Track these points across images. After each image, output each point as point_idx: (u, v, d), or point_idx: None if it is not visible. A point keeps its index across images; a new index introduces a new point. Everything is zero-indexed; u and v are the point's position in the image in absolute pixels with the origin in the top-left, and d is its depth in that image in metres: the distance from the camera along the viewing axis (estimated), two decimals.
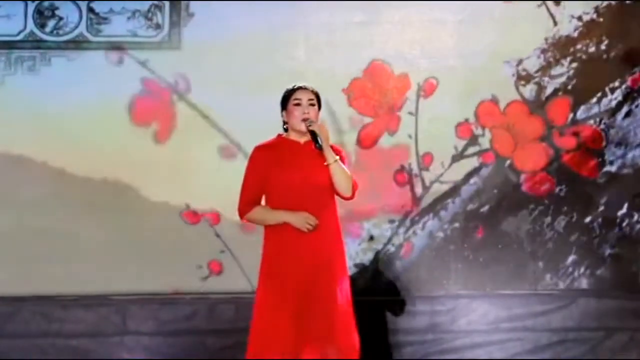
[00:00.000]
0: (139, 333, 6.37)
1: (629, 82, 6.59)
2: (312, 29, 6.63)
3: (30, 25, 6.63)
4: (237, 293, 6.43)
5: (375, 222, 6.58)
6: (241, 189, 4.53)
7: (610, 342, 6.36)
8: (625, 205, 6.57)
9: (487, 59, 6.56)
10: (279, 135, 4.61)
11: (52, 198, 6.50)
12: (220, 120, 6.58)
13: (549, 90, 6.60)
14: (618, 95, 6.58)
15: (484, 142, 6.61)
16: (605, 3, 6.56)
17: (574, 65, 6.59)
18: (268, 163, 4.47)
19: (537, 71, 6.58)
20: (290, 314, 4.33)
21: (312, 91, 4.56)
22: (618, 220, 6.58)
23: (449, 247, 6.57)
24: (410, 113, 6.59)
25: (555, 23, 6.58)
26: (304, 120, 4.47)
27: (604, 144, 6.59)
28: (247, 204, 4.50)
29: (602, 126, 6.59)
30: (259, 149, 4.54)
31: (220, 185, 6.29)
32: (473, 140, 6.60)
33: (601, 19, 6.58)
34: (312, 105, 4.52)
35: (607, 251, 6.57)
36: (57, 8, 6.63)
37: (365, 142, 6.61)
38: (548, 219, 6.57)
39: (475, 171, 6.60)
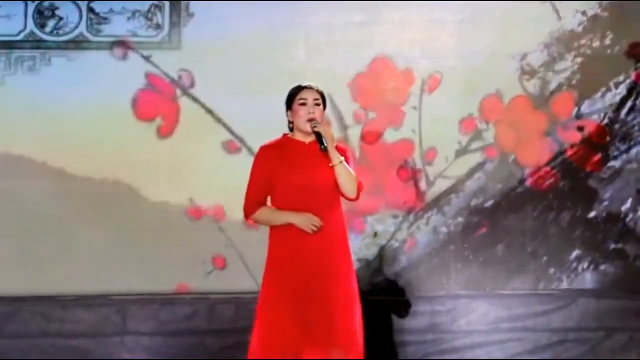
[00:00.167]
0: (139, 333, 6.37)
1: (633, 77, 6.59)
2: (312, 29, 6.63)
3: (30, 25, 6.63)
4: (237, 293, 6.43)
5: (379, 217, 6.58)
6: (246, 190, 4.51)
7: (610, 342, 6.36)
8: (629, 200, 6.57)
9: (491, 54, 6.56)
10: (285, 135, 4.58)
11: (52, 198, 6.50)
12: (220, 120, 6.58)
13: (553, 85, 6.60)
14: (622, 90, 6.59)
15: (488, 137, 6.60)
16: None
17: (578, 60, 6.59)
18: (273, 163, 4.44)
19: (541, 66, 6.58)
20: (294, 314, 4.32)
21: (318, 90, 4.52)
22: (622, 215, 6.58)
23: (449, 247, 6.57)
24: (413, 107, 6.59)
25: (559, 18, 6.57)
26: (309, 120, 4.44)
27: (608, 138, 6.59)
28: (252, 204, 4.48)
29: (606, 121, 6.60)
30: (264, 149, 4.52)
31: (224, 181, 6.31)
32: (477, 135, 6.59)
33: (605, 14, 6.57)
34: (318, 105, 4.49)
35: (611, 246, 6.57)
36: (57, 8, 6.63)
37: (369, 137, 6.61)
38: (552, 214, 6.57)
39: (479, 166, 6.60)
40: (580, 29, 6.58)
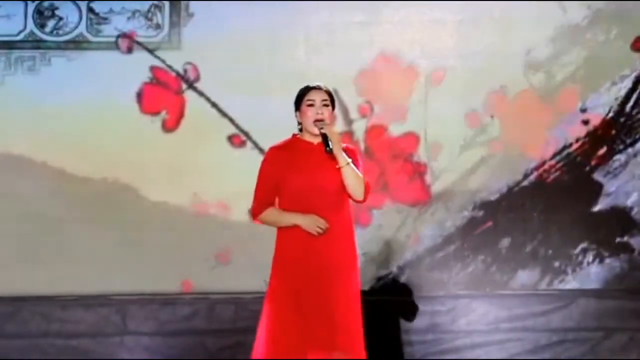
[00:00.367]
0: (139, 333, 6.37)
1: (639, 71, 6.58)
2: (312, 29, 6.63)
3: (30, 25, 6.63)
4: (237, 293, 6.43)
5: (384, 211, 6.57)
6: (254, 190, 4.49)
7: (610, 342, 6.36)
8: (635, 194, 6.57)
9: (492, 52, 6.56)
10: (294, 136, 4.54)
11: (52, 198, 6.50)
12: (221, 120, 6.58)
13: (558, 79, 6.59)
14: (628, 83, 6.58)
15: (493, 132, 6.59)
16: None
17: (584, 54, 6.58)
18: (281, 164, 4.42)
19: (546, 60, 6.57)
20: (297, 316, 4.31)
21: (326, 91, 4.49)
22: (627, 209, 6.58)
23: (454, 241, 6.57)
24: (419, 102, 6.58)
25: (564, 12, 6.56)
26: (317, 121, 4.42)
27: (613, 132, 6.59)
28: (259, 205, 4.46)
29: (611, 114, 6.60)
30: (272, 150, 4.49)
31: (228, 176, 6.36)
32: (481, 130, 6.58)
33: (611, 7, 6.56)
34: (326, 105, 4.45)
35: (617, 239, 6.57)
36: (57, 8, 6.64)
37: (374, 131, 6.61)
38: (557, 208, 6.57)
39: (484, 160, 6.59)
40: (585, 22, 6.57)
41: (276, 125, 6.37)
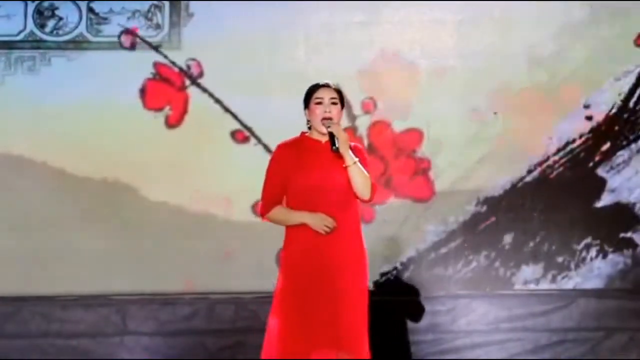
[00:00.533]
0: (139, 333, 6.37)
1: None
2: (312, 29, 6.63)
3: (30, 25, 6.63)
4: (237, 293, 6.43)
5: (387, 207, 6.56)
6: (262, 189, 4.47)
7: (610, 342, 6.36)
8: (638, 190, 6.58)
9: (493, 51, 6.56)
10: (303, 134, 4.52)
11: (52, 198, 6.50)
12: (224, 115, 6.59)
13: (561, 75, 6.57)
14: (631, 79, 6.58)
15: (496, 128, 6.58)
16: None
17: (587, 49, 6.57)
18: (289, 162, 4.40)
19: (549, 56, 6.56)
20: (303, 315, 4.29)
21: (335, 89, 4.47)
22: (631, 204, 6.58)
23: (457, 237, 6.57)
24: (420, 101, 6.59)
25: (567, 9, 6.57)
26: (325, 120, 4.40)
27: (616, 128, 6.59)
28: (267, 204, 4.44)
29: (614, 110, 6.59)
30: (280, 148, 4.48)
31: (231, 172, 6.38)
32: (485, 126, 6.57)
33: (614, 4, 6.56)
34: (335, 103, 4.43)
35: (620, 235, 6.57)
36: (57, 8, 6.64)
37: (378, 126, 6.61)
38: (560, 203, 6.57)
39: (487, 156, 6.58)
40: (588, 19, 6.56)
41: (276, 125, 6.41)
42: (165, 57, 6.60)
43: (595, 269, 6.56)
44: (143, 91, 6.58)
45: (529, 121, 6.57)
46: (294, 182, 4.39)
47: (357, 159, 4.36)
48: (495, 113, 6.58)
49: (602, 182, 6.59)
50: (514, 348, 6.39)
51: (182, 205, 6.54)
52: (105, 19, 6.63)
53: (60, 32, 6.63)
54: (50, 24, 6.64)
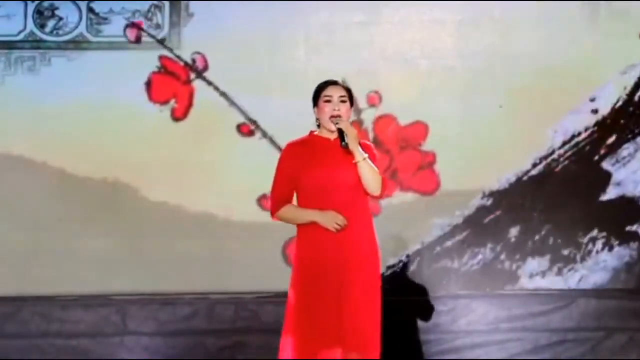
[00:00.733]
0: (138, 333, 6.37)
1: None
2: (312, 29, 6.62)
3: (30, 25, 6.63)
4: (237, 293, 6.43)
5: (393, 200, 6.55)
6: (272, 188, 4.46)
7: (610, 342, 6.36)
8: None
9: (494, 48, 6.56)
10: (311, 132, 4.51)
11: (52, 198, 6.50)
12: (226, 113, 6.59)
13: (566, 69, 6.55)
14: (637, 72, 6.58)
15: (501, 121, 6.57)
16: None
17: (593, 43, 6.57)
18: (298, 161, 4.39)
19: (554, 48, 6.55)
20: (315, 315, 4.28)
21: (344, 87, 4.47)
22: (636, 197, 6.59)
23: (463, 230, 6.56)
24: (423, 97, 6.59)
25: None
26: (333, 117, 4.39)
27: (622, 121, 6.59)
28: (277, 202, 4.42)
29: (620, 104, 6.59)
30: (289, 147, 4.47)
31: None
32: (489, 119, 6.55)
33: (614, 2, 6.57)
34: (344, 101, 4.42)
35: (626, 228, 6.57)
36: (57, 8, 6.64)
37: (383, 120, 6.61)
38: (566, 197, 6.56)
39: (492, 150, 6.54)
40: (593, 13, 6.56)
41: (277, 125, 6.44)
42: (171, 50, 6.60)
43: (601, 262, 6.56)
44: (148, 84, 6.58)
45: (534, 115, 6.55)
46: (304, 181, 4.37)
47: (366, 155, 4.34)
48: (500, 106, 6.58)
49: (607, 176, 6.60)
50: (513, 348, 6.39)
51: (182, 205, 6.54)
52: (105, 19, 6.63)
53: (60, 32, 6.63)
54: (50, 24, 6.64)
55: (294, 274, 4.40)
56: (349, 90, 4.47)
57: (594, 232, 6.57)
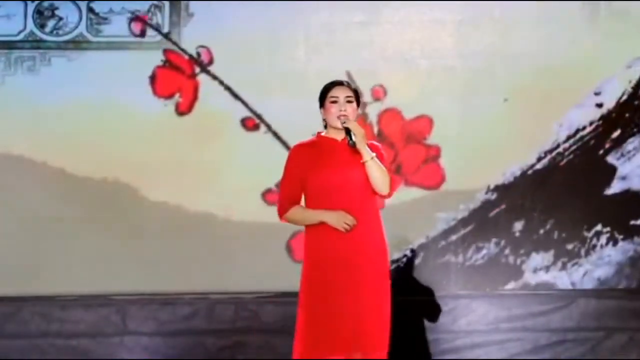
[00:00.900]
0: (138, 333, 6.37)
1: None
2: (312, 29, 6.62)
3: (30, 25, 6.63)
4: (237, 293, 6.43)
5: (397, 194, 6.53)
6: (280, 189, 4.46)
7: (610, 342, 6.36)
8: None
9: (494, 48, 6.57)
10: (319, 134, 4.50)
11: (52, 198, 6.50)
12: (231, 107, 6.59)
13: (571, 62, 6.55)
14: None
15: (506, 115, 6.56)
16: None
17: (597, 37, 6.56)
18: (306, 162, 4.37)
19: (559, 43, 6.55)
20: (325, 316, 4.27)
21: (350, 87, 4.46)
22: None
23: (467, 224, 6.56)
24: (423, 97, 6.59)
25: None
26: (340, 117, 4.37)
27: (627, 115, 6.59)
28: (285, 203, 4.40)
29: (625, 97, 6.59)
30: (297, 148, 4.46)
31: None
32: (494, 113, 6.54)
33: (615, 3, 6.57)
34: (350, 102, 4.41)
35: (631, 222, 6.57)
36: (57, 8, 6.64)
37: (388, 114, 6.60)
38: (570, 191, 6.56)
39: (497, 144, 6.54)
40: (598, 8, 6.57)
41: (277, 125, 6.44)
42: (175, 43, 6.59)
43: (605, 257, 6.56)
44: (153, 78, 6.57)
45: (539, 109, 6.54)
46: (312, 182, 4.36)
47: (374, 154, 4.33)
48: (505, 99, 6.57)
49: (612, 170, 6.60)
50: (513, 348, 6.39)
51: (182, 205, 6.54)
52: (105, 19, 6.63)
53: (60, 32, 6.63)
54: (50, 24, 6.64)
55: (304, 275, 4.38)
56: (355, 91, 4.47)
57: (599, 227, 6.56)
